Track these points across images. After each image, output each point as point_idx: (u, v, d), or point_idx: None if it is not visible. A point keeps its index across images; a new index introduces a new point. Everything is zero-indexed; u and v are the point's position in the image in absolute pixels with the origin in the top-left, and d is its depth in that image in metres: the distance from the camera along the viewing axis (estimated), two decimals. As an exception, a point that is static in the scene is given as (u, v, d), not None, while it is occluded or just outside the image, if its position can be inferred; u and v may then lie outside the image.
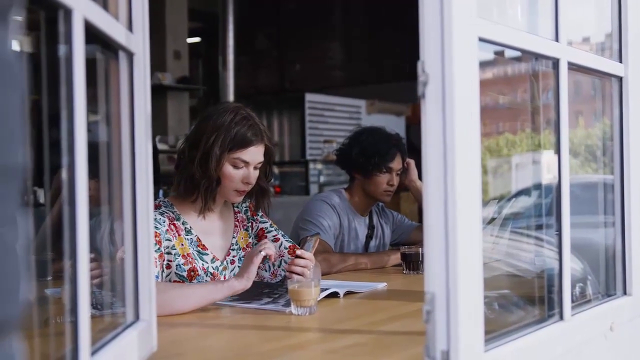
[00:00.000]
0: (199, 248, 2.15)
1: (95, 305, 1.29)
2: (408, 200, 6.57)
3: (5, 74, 0.53)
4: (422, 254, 2.58)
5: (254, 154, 2.14)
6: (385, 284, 2.31)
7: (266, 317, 1.81)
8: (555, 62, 1.47)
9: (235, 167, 2.13)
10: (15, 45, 0.57)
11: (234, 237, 2.28)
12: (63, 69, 0.98)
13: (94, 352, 1.06)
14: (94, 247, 1.05)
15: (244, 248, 2.28)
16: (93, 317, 1.06)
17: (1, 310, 0.54)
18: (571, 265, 1.52)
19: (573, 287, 1.57)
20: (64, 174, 0.98)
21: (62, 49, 0.98)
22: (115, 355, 1.15)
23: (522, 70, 1.78)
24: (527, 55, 1.56)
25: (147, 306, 1.34)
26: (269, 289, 2.08)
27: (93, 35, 1.08)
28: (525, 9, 1.77)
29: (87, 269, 0.99)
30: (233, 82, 8.19)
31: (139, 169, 1.33)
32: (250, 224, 2.34)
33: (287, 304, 1.86)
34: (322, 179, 7.34)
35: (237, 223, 2.30)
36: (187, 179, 2.13)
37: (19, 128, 0.55)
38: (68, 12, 0.96)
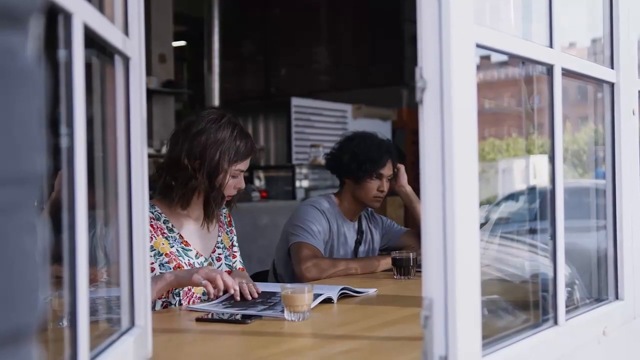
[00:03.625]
0: (182, 245, 2.21)
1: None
2: (394, 204, 6.58)
3: (25, 81, 0.53)
4: (413, 259, 2.58)
5: (248, 163, 2.28)
6: (375, 289, 2.31)
7: (260, 323, 1.80)
8: (550, 68, 1.48)
9: (233, 177, 2.23)
10: (35, 52, 0.56)
11: (219, 236, 2.36)
12: (62, 73, 0.97)
13: (91, 359, 1.05)
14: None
15: (228, 248, 2.37)
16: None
17: (20, 317, 0.54)
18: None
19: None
20: (64, 179, 0.97)
21: (61, 53, 0.97)
22: (112, 362, 1.14)
23: (508, 75, 1.79)
24: (520, 60, 1.57)
25: (142, 313, 1.33)
26: (262, 298, 2.08)
27: (90, 39, 1.07)
28: (518, 15, 1.78)
29: (86, 275, 0.98)
30: (218, 87, 8.18)
31: (134, 174, 1.32)
32: (230, 229, 2.44)
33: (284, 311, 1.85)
34: (308, 183, 7.33)
35: (220, 223, 2.39)
36: (190, 191, 2.19)
37: (39, 135, 0.55)
38: (68, 17, 0.96)
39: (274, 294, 2.12)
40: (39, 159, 0.55)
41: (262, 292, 2.13)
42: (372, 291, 2.28)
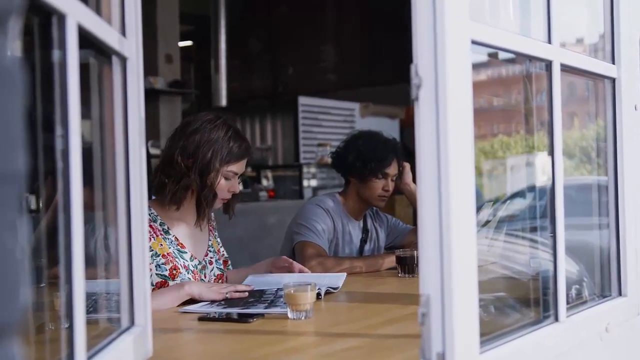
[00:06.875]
0: (178, 247, 2.25)
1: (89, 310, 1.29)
2: (402, 203, 6.57)
3: (5, 80, 0.53)
4: (417, 257, 2.57)
5: (243, 166, 2.30)
6: (344, 274, 2.35)
7: (262, 322, 1.80)
8: (548, 64, 1.48)
9: (226, 179, 2.26)
10: (15, 52, 0.57)
11: (209, 240, 2.40)
12: (57, 74, 0.98)
13: (89, 358, 1.05)
14: (87, 254, 1.05)
15: (217, 251, 2.41)
16: (87, 322, 1.05)
17: (1, 315, 0.54)
18: (567, 268, 1.52)
19: (569, 289, 1.57)
20: (59, 181, 0.97)
21: (55, 54, 0.98)
22: (111, 361, 1.15)
23: (515, 72, 1.78)
24: (520, 57, 1.56)
25: (142, 311, 1.34)
26: (258, 294, 2.10)
27: (86, 40, 1.08)
28: (518, 11, 1.77)
29: (82, 275, 0.99)
30: (225, 86, 8.19)
31: (133, 175, 1.33)
32: (216, 232, 2.48)
33: (285, 306, 1.85)
34: (316, 182, 7.33)
35: (211, 228, 2.44)
36: (182, 189, 2.21)
37: (20, 134, 0.56)
38: (62, 18, 0.96)
39: (264, 291, 2.15)
40: (21, 158, 0.56)
41: (253, 291, 2.15)
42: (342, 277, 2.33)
